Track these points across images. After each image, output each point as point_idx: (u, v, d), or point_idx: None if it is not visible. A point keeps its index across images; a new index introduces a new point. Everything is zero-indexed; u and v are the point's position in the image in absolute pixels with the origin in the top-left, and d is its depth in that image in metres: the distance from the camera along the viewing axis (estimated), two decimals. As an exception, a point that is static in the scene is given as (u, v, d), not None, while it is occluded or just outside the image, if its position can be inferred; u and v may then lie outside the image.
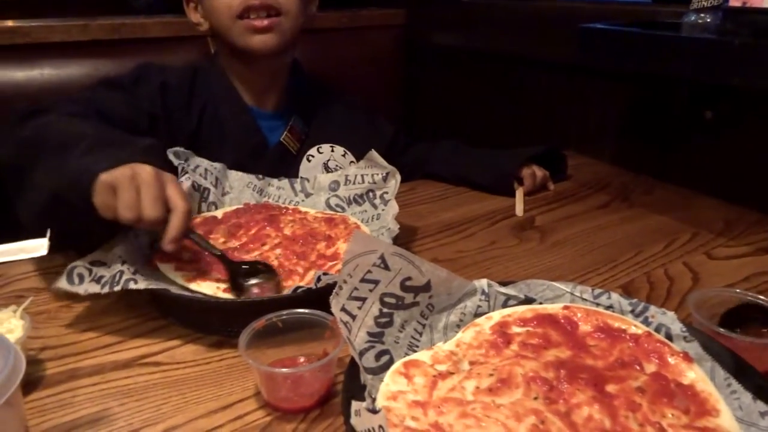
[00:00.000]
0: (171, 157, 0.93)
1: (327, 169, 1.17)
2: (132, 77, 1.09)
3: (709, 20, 1.01)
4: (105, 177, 0.70)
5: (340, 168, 1.16)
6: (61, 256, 0.83)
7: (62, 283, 0.72)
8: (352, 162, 1.18)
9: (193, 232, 0.79)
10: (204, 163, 0.98)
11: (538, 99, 1.63)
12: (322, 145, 1.19)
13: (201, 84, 1.15)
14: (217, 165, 1.00)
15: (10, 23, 1.49)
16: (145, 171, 0.71)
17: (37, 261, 0.84)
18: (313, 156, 1.17)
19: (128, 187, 0.70)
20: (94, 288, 0.71)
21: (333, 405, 0.62)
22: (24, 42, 1.50)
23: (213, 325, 0.73)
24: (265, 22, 1.04)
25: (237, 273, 0.76)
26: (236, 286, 0.75)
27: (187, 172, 0.94)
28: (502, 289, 0.70)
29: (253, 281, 0.76)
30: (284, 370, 0.60)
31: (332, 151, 1.19)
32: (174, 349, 0.72)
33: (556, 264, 0.93)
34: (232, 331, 0.72)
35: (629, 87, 1.40)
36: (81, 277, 0.72)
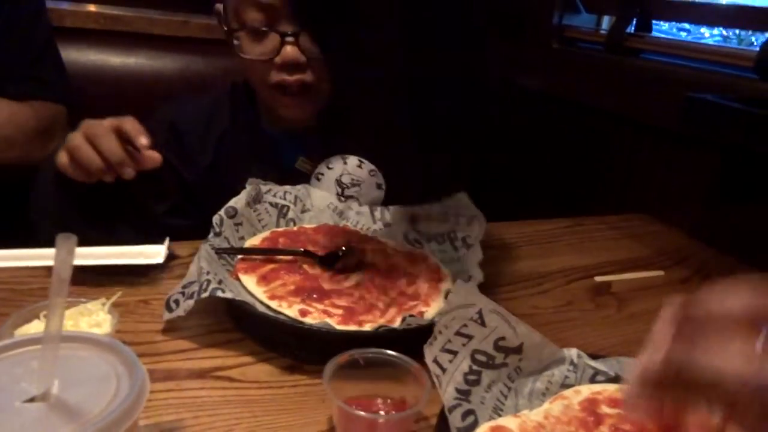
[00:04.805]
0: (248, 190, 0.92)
1: (340, 184, 1.04)
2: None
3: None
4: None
5: (359, 180, 1.05)
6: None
7: (166, 315, 0.73)
8: (372, 171, 1.05)
9: None
10: (285, 187, 0.99)
11: (619, 157, 1.59)
12: (331, 159, 1.05)
13: (218, 115, 1.13)
14: (299, 186, 1.00)
15: (115, 11, 1.55)
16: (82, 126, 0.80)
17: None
18: (322, 174, 1.05)
19: (78, 142, 0.77)
20: (190, 304, 0.72)
21: (407, 456, 0.60)
22: (125, 30, 1.55)
23: (289, 347, 0.72)
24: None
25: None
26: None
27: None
28: (592, 363, 0.67)
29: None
30: (364, 414, 0.58)
31: (345, 163, 1.05)
32: (247, 366, 0.71)
33: (636, 338, 0.88)
34: (305, 357, 0.72)
35: (722, 158, 1.35)
36: (177, 303, 0.73)
